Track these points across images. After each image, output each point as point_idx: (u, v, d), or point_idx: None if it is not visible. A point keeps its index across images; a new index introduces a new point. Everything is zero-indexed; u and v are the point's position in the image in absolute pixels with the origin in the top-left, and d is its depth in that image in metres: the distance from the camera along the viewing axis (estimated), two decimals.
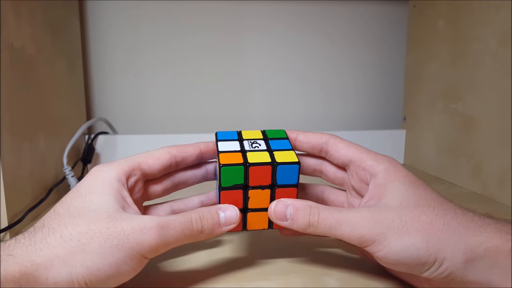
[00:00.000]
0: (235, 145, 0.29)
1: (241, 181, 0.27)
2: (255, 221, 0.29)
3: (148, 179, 0.30)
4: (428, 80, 0.60)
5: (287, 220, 0.26)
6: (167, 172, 0.30)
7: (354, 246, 0.30)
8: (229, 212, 0.27)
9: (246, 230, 0.29)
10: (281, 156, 0.28)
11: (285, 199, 0.27)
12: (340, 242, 0.31)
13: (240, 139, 0.30)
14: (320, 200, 0.32)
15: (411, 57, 0.65)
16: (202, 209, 0.26)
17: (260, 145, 0.29)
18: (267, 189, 0.28)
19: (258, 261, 0.32)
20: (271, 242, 0.35)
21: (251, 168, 0.27)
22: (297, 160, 0.27)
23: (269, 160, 0.27)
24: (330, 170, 0.32)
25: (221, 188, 0.27)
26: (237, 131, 0.31)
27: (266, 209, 0.28)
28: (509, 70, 0.44)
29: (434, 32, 0.58)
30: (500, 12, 0.45)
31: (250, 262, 0.32)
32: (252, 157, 0.28)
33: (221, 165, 0.27)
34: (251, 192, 0.28)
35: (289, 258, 0.32)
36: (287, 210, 0.26)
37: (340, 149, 0.29)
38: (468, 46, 0.51)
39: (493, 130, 0.47)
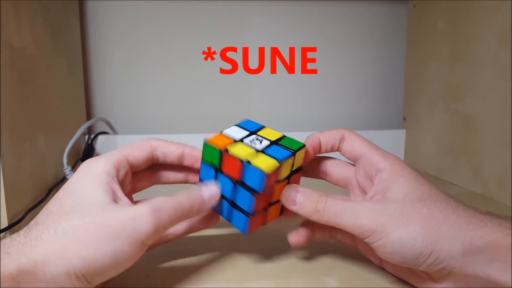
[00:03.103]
0: (240, 134, 0.30)
1: (216, 163, 0.28)
2: (273, 213, 0.30)
3: (135, 170, 0.30)
4: (428, 80, 0.60)
5: (295, 205, 0.28)
6: (150, 163, 0.30)
7: (354, 244, 0.31)
8: (211, 188, 0.28)
9: (266, 223, 0.30)
10: (260, 160, 0.27)
11: (296, 185, 0.29)
12: (340, 242, 0.31)
13: (253, 133, 0.31)
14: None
15: (411, 57, 0.65)
16: (188, 189, 0.28)
17: (260, 143, 0.29)
18: (285, 180, 0.29)
19: (258, 261, 0.32)
20: (271, 242, 0.35)
21: (224, 155, 0.28)
22: (268, 169, 0.26)
23: (244, 157, 0.27)
24: (335, 171, 0.32)
25: (257, 193, 0.27)
26: (262, 126, 0.32)
27: (278, 201, 0.29)
28: (509, 70, 0.44)
29: (434, 32, 0.58)
30: (500, 12, 0.45)
31: (250, 262, 0.32)
32: (235, 148, 0.28)
33: (205, 140, 0.28)
34: (275, 187, 0.28)
35: (289, 258, 0.32)
36: (297, 195, 0.28)
37: (354, 143, 0.30)
38: (468, 46, 0.51)
39: (493, 130, 0.47)
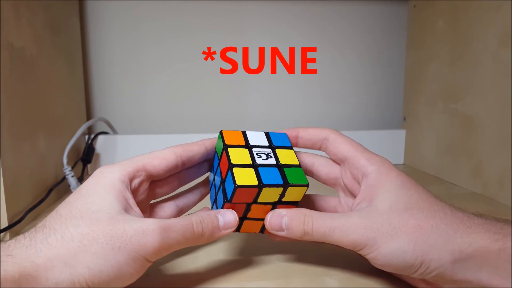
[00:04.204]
0: (258, 141, 0.30)
1: (219, 155, 0.28)
2: (250, 226, 0.29)
3: (154, 179, 0.30)
4: (428, 80, 0.60)
5: (283, 230, 0.27)
6: (173, 173, 0.30)
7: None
8: (228, 217, 0.27)
9: (239, 232, 0.29)
10: (243, 173, 0.27)
11: (280, 210, 0.28)
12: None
13: (272, 147, 0.30)
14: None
15: (411, 57, 0.65)
16: (202, 213, 0.27)
17: (265, 158, 0.28)
18: (269, 205, 0.28)
19: (258, 262, 0.32)
20: (271, 242, 0.35)
21: (224, 151, 0.28)
22: (240, 183, 0.26)
23: (234, 162, 0.27)
24: (323, 171, 0.32)
25: (226, 201, 0.27)
26: (290, 146, 0.31)
27: (262, 219, 0.28)
28: (509, 70, 0.44)
29: (434, 32, 0.58)
30: (500, 12, 0.45)
31: (250, 262, 0.32)
32: (235, 151, 0.28)
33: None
34: (253, 206, 0.28)
35: (289, 258, 0.32)
36: (282, 220, 0.27)
37: (339, 145, 0.30)
38: (468, 46, 0.51)
39: (493, 130, 0.47)
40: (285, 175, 0.27)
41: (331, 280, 0.29)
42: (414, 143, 0.64)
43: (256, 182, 0.26)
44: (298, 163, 0.29)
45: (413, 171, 0.63)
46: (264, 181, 0.26)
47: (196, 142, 0.30)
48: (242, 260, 0.32)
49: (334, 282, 0.29)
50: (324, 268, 0.31)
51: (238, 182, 0.26)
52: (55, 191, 0.45)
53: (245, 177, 0.26)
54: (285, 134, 0.31)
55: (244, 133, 0.30)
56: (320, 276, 0.30)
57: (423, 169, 0.62)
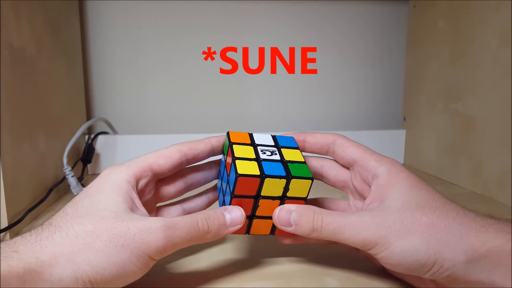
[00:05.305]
0: (264, 141, 0.30)
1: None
2: (259, 227, 0.29)
3: (160, 178, 0.30)
4: (428, 80, 0.60)
5: (291, 226, 0.27)
6: (178, 170, 0.30)
7: (354, 249, 0.31)
8: (235, 213, 0.27)
9: (249, 234, 0.29)
10: (245, 164, 0.27)
11: (289, 205, 0.27)
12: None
13: (278, 147, 0.30)
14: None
15: (411, 57, 0.65)
16: (208, 210, 0.27)
17: (269, 155, 0.29)
18: (277, 200, 0.28)
19: (258, 261, 0.32)
20: (271, 242, 0.35)
21: (229, 149, 0.28)
22: (241, 172, 0.26)
23: (237, 156, 0.27)
24: (331, 173, 0.32)
25: (233, 196, 0.27)
26: (296, 146, 0.31)
27: (271, 218, 0.28)
28: (509, 70, 0.44)
29: (434, 32, 0.58)
30: (500, 12, 0.45)
31: (251, 262, 0.32)
32: (240, 147, 0.28)
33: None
34: (261, 202, 0.28)
35: (289, 258, 0.32)
36: (291, 216, 0.27)
37: (346, 149, 0.30)
38: (468, 46, 0.51)
39: (493, 130, 0.47)
40: (289, 169, 0.27)
41: (331, 280, 0.29)
42: (414, 143, 0.65)
43: (258, 172, 0.26)
44: (303, 160, 0.29)
45: (413, 171, 0.62)
46: (266, 172, 0.26)
47: (202, 139, 0.30)
48: (242, 260, 0.32)
49: (334, 282, 0.29)
50: (324, 268, 0.31)
51: (240, 171, 0.26)
52: (55, 191, 0.45)
53: (247, 167, 0.27)
54: (292, 138, 0.31)
55: (250, 135, 0.30)
56: (320, 276, 0.30)
57: (423, 169, 0.62)
